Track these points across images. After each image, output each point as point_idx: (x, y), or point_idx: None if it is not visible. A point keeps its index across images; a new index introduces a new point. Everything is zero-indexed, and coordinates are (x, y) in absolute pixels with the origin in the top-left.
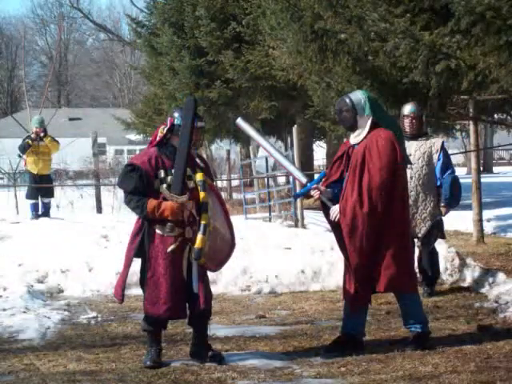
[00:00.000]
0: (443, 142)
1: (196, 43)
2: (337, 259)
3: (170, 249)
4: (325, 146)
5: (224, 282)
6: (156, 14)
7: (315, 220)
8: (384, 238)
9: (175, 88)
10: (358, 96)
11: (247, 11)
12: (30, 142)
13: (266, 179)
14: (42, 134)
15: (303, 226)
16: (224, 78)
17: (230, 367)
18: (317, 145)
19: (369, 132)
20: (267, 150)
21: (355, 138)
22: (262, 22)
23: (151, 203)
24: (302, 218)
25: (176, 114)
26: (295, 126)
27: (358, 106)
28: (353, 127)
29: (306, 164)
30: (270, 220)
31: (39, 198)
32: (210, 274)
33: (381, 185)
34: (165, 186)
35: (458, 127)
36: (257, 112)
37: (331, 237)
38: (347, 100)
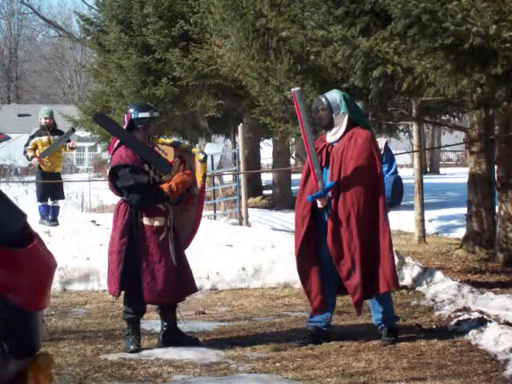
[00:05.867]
0: (387, 142)
1: (143, 41)
2: (277, 257)
3: (161, 237)
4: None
5: None
6: (104, 11)
7: (259, 218)
8: (375, 240)
9: (122, 85)
10: (334, 95)
11: (195, 10)
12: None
13: (211, 177)
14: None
15: (247, 224)
16: (171, 75)
17: (167, 362)
18: (264, 143)
19: (346, 130)
20: (307, 139)
21: (332, 136)
22: (207, 18)
23: (163, 187)
24: (247, 216)
25: (131, 110)
26: (241, 124)
27: (333, 105)
28: (329, 126)
29: (253, 162)
30: (214, 218)
31: (49, 200)
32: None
33: (364, 184)
34: (156, 177)
35: (401, 127)
36: (204, 110)
37: (273, 235)
38: (323, 99)
